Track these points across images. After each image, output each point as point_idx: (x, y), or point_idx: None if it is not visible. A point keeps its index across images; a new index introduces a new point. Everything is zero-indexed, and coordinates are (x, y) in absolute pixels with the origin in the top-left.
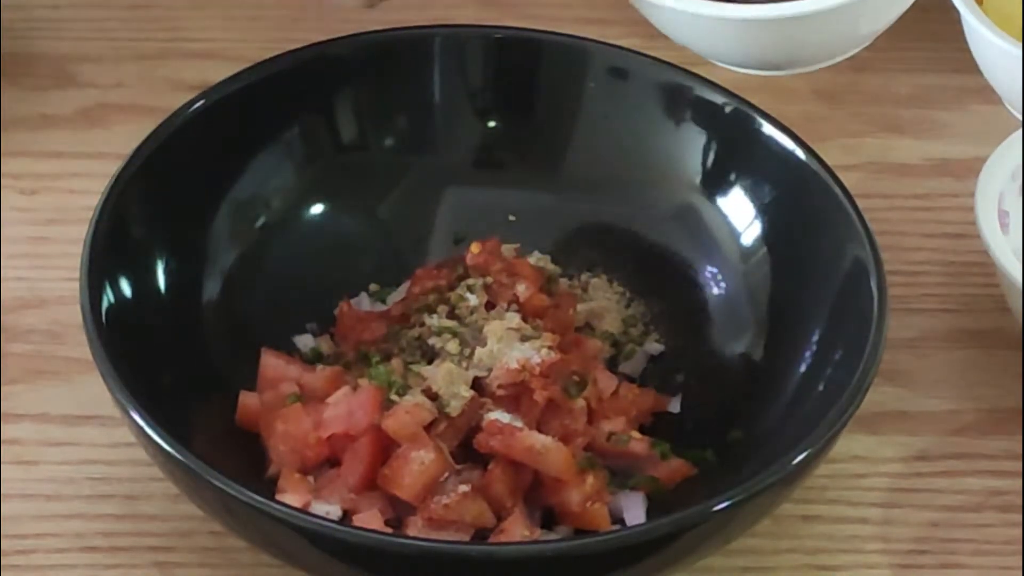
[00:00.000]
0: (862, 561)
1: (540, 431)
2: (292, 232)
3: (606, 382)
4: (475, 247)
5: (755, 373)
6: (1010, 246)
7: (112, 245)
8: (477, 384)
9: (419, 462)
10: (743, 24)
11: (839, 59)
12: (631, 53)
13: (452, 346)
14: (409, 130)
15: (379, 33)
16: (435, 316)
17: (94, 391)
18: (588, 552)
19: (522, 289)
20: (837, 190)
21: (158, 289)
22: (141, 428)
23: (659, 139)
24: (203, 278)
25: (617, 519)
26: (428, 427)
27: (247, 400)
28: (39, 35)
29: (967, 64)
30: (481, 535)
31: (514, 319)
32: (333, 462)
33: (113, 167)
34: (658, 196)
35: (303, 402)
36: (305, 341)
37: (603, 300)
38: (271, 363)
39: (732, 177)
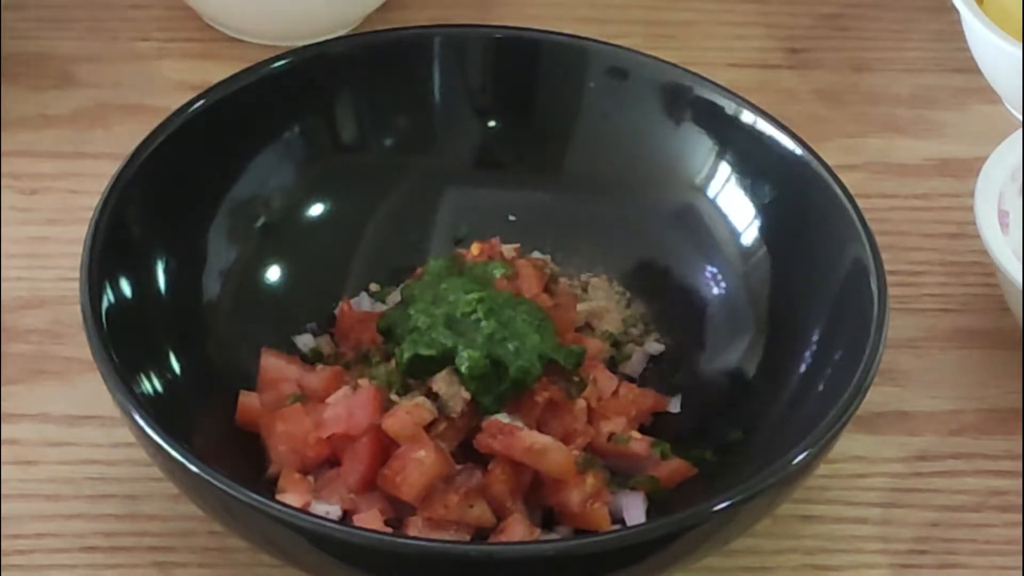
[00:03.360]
0: (862, 561)
1: (540, 431)
2: (292, 232)
3: (606, 382)
4: (475, 247)
5: (755, 373)
6: (1010, 246)
7: (112, 245)
8: None
9: (419, 462)
10: None
11: None
12: (631, 53)
13: None
14: (409, 130)
15: (379, 33)
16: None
17: (94, 391)
18: (588, 552)
19: (523, 289)
20: (837, 190)
21: (158, 289)
22: (141, 428)
23: (659, 139)
24: (203, 278)
25: (617, 519)
26: (428, 427)
27: (247, 400)
28: (39, 35)
29: (967, 64)
30: (481, 535)
31: None
32: (333, 462)
33: (113, 167)
34: (658, 196)
35: (303, 402)
36: (305, 341)
37: (603, 300)
38: (271, 363)
39: (732, 177)
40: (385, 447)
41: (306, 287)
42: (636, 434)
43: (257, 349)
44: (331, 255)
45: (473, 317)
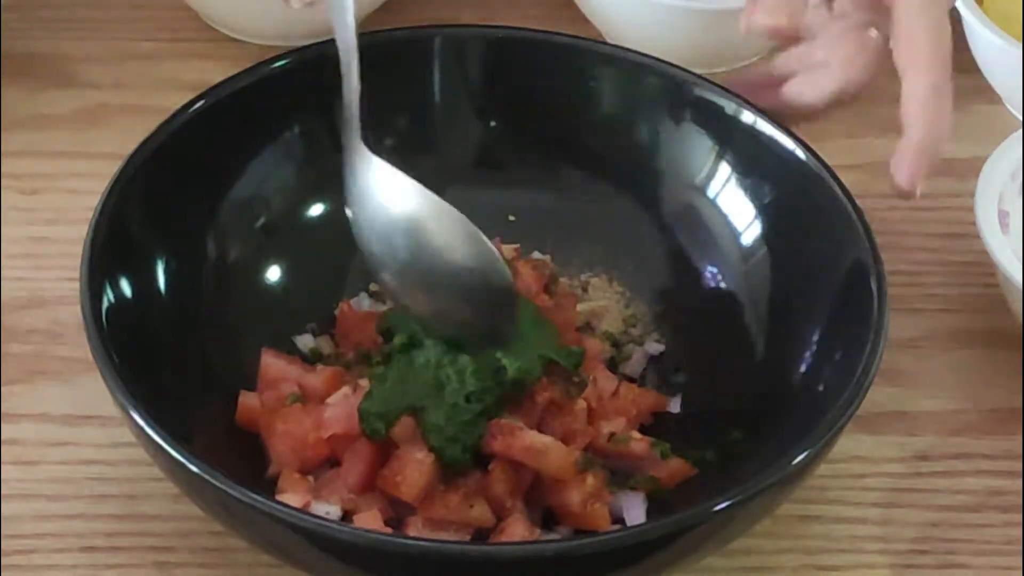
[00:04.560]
0: (862, 561)
1: (540, 431)
2: (292, 232)
3: (606, 382)
4: None
5: (755, 373)
6: (1010, 246)
7: (112, 245)
8: None
9: (419, 463)
10: (684, 14)
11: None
12: (631, 53)
13: None
14: (409, 130)
15: (379, 33)
16: None
17: (94, 391)
18: (588, 552)
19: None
20: (837, 190)
21: (158, 289)
22: (141, 428)
23: (659, 139)
24: (203, 278)
25: (617, 519)
26: None
27: (247, 400)
28: (39, 35)
29: (967, 64)
30: (481, 535)
31: None
32: (333, 462)
33: (113, 167)
34: (658, 196)
35: (303, 402)
36: (305, 341)
37: (603, 300)
38: (271, 363)
39: (732, 177)
40: (385, 448)
41: (306, 287)
42: (636, 434)
43: (257, 349)
44: (331, 255)
45: None
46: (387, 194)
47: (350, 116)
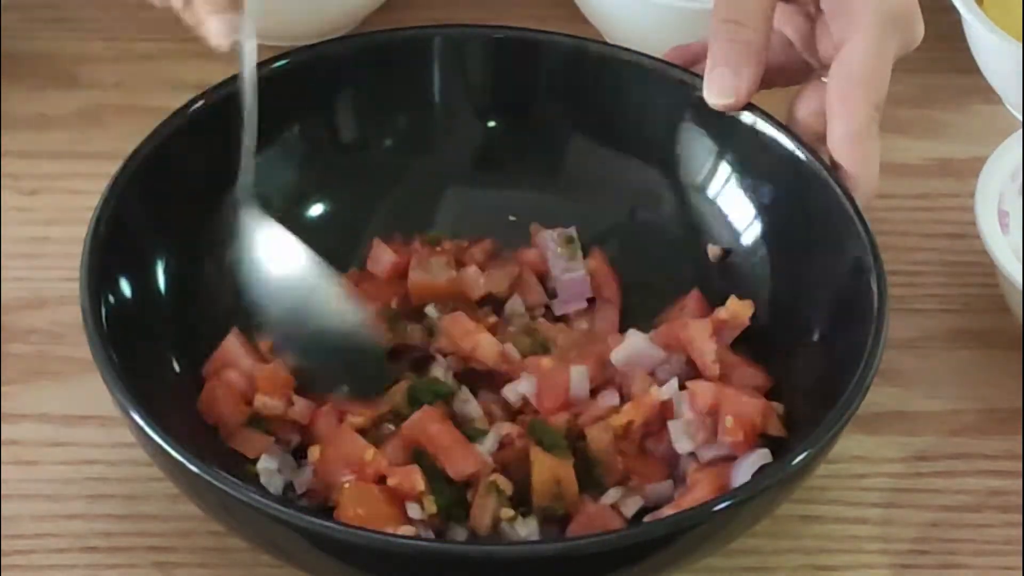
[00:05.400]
0: (862, 561)
1: None
2: (292, 232)
3: None
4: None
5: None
6: (1010, 246)
7: (112, 245)
8: None
9: None
10: (684, 14)
11: None
12: (631, 53)
13: None
14: (409, 130)
15: (379, 33)
16: None
17: (94, 391)
18: (588, 552)
19: None
20: (837, 190)
21: (158, 289)
22: (141, 428)
23: (659, 139)
24: (203, 278)
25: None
26: None
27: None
28: (39, 35)
29: (967, 64)
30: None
31: None
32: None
33: (113, 167)
34: (658, 196)
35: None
36: None
37: None
38: (231, 345)
39: (732, 177)
40: None
41: None
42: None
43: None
44: (331, 255)
45: None
46: (270, 252)
47: (246, 172)
